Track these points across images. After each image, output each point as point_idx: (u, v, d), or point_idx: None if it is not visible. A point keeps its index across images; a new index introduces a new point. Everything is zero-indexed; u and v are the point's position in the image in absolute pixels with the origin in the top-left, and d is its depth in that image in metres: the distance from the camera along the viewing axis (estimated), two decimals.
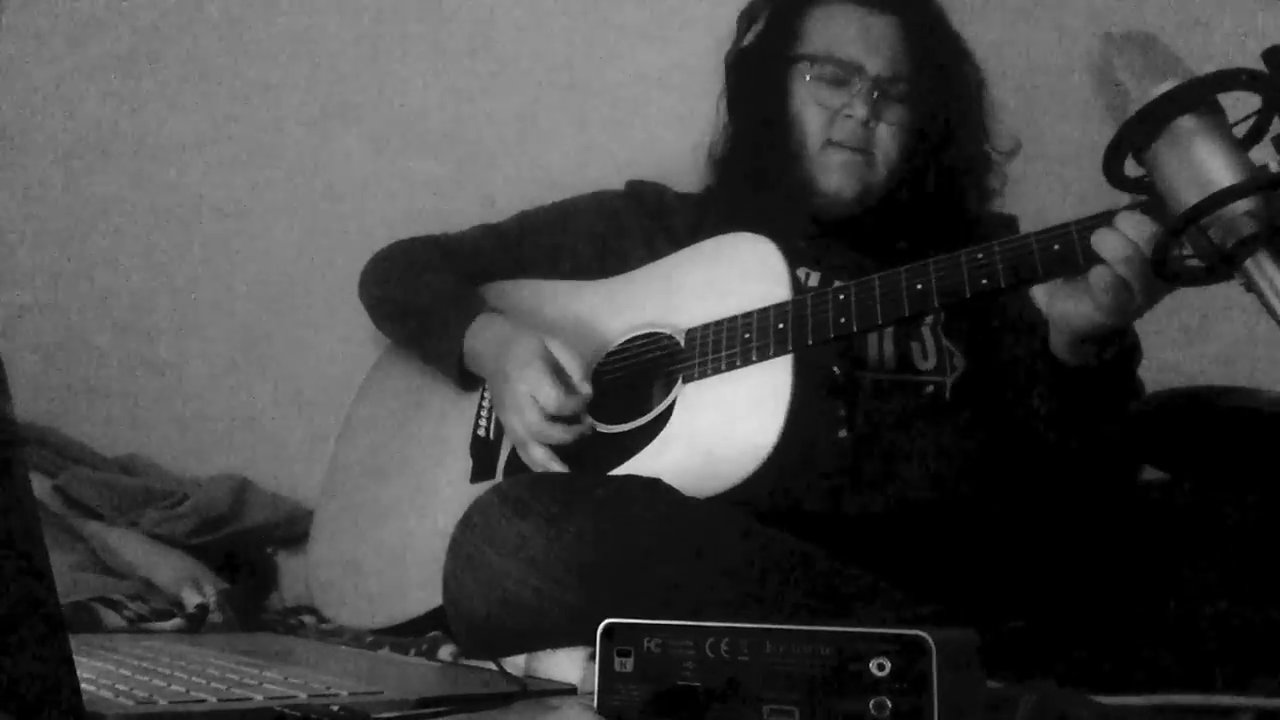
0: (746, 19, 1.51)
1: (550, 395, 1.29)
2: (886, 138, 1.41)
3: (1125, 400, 1.21)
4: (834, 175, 1.41)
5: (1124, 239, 1.02)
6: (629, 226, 1.52)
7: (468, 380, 1.46)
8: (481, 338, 1.42)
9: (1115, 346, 1.14)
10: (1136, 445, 1.30)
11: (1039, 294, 1.14)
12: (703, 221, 1.46)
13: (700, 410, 1.27)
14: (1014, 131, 1.47)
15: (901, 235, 1.41)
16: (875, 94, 1.39)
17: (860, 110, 1.39)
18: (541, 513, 1.07)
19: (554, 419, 1.30)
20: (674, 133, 1.57)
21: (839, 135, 1.40)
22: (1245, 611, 1.05)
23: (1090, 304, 1.06)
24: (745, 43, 1.50)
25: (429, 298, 1.51)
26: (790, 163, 1.42)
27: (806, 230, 1.45)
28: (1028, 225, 1.19)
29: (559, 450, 1.31)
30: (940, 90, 1.41)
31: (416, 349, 1.54)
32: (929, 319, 1.39)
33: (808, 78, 1.42)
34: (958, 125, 1.43)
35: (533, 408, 1.30)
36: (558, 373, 1.32)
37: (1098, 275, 1.04)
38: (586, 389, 1.31)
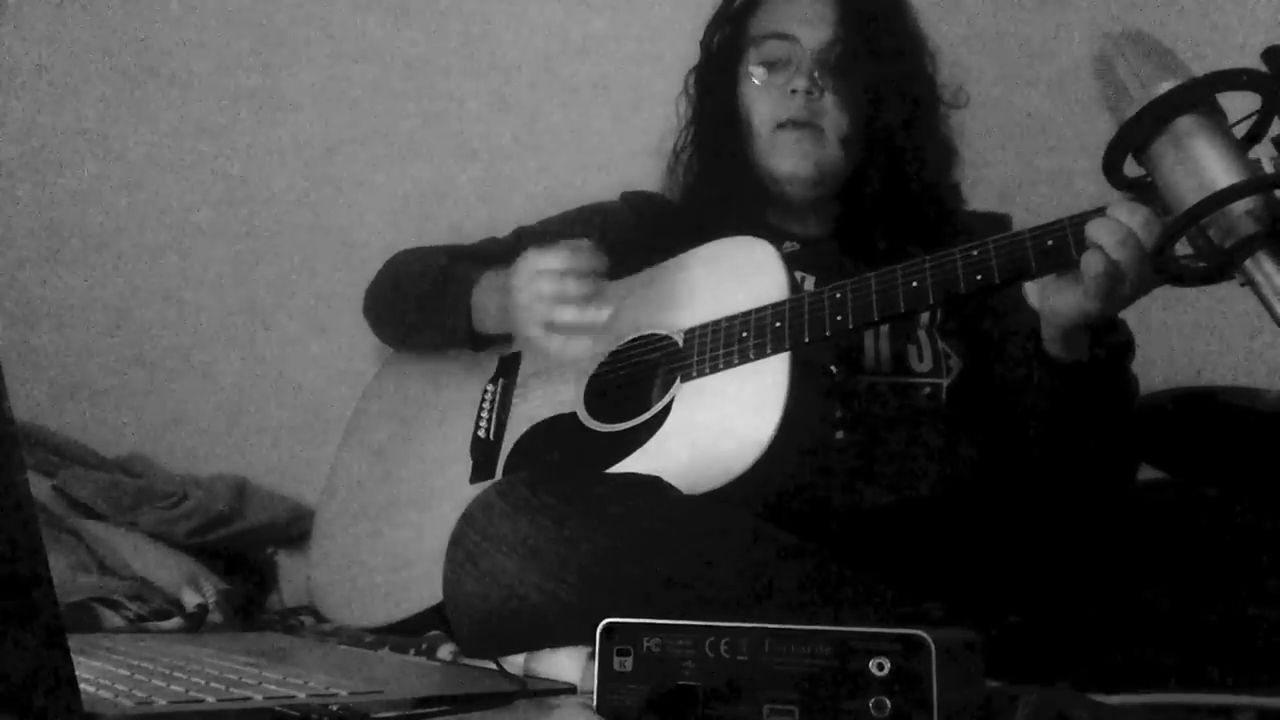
0: (708, 37, 1.54)
1: (554, 257, 1.32)
2: (833, 109, 1.42)
3: (1118, 397, 1.21)
4: (785, 157, 1.43)
5: (1118, 224, 1.02)
6: (625, 236, 1.52)
7: (477, 341, 1.47)
8: (488, 287, 1.44)
9: (1107, 341, 1.14)
10: (1136, 445, 1.30)
11: (1031, 293, 1.15)
12: (693, 227, 1.46)
13: (698, 408, 1.27)
14: (959, 82, 1.48)
15: (884, 226, 1.41)
16: (815, 65, 1.41)
17: (801, 82, 1.41)
18: (541, 510, 1.07)
19: (569, 274, 1.31)
20: (670, 142, 1.58)
21: (786, 114, 1.42)
22: (1244, 611, 1.05)
23: (1080, 292, 1.06)
24: (706, 59, 1.54)
25: (431, 274, 1.53)
26: (746, 152, 1.45)
27: (797, 232, 1.46)
28: (1025, 224, 1.19)
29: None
30: (877, 52, 1.42)
31: (424, 328, 1.54)
32: (925, 321, 1.40)
33: (752, 67, 1.45)
34: (900, 85, 1.43)
35: (543, 277, 1.31)
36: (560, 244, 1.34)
37: (1090, 260, 1.04)
38: (593, 249, 1.33)
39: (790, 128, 1.42)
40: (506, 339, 1.47)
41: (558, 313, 1.31)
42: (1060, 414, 1.21)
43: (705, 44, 1.54)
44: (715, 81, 1.50)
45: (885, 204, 1.42)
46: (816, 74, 1.41)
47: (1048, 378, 1.18)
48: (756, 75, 1.45)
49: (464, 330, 1.46)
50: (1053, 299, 1.11)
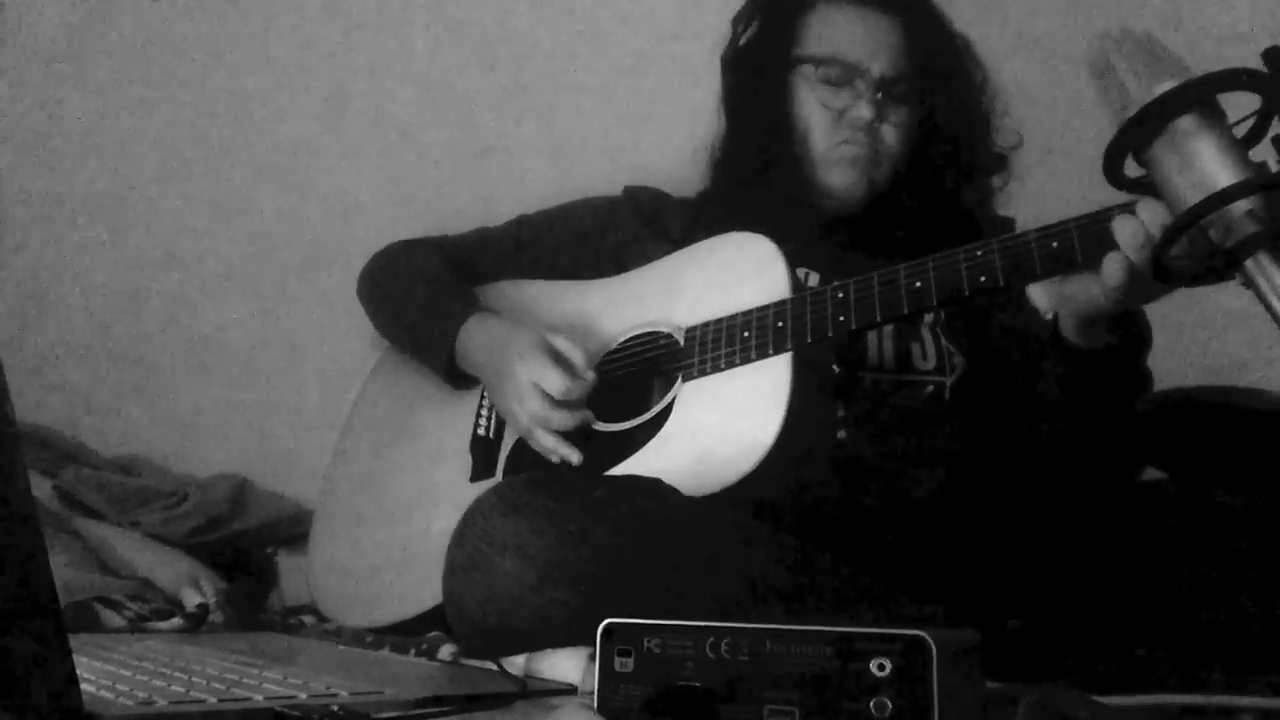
0: (743, 20, 1.51)
1: (554, 380, 1.30)
2: (891, 136, 1.41)
3: (1132, 388, 1.21)
4: (843, 173, 1.41)
5: (1139, 225, 1.01)
6: (626, 231, 1.52)
7: (458, 379, 1.46)
8: (475, 337, 1.42)
9: (1123, 331, 1.14)
10: (1138, 445, 1.30)
11: (1036, 296, 1.14)
12: (699, 224, 1.46)
13: (699, 408, 1.27)
14: (1015, 126, 1.47)
15: (900, 231, 1.41)
16: (879, 95, 1.39)
17: (866, 112, 1.39)
18: (542, 512, 1.07)
19: (559, 404, 1.30)
20: (674, 137, 1.57)
21: (844, 136, 1.40)
22: (1244, 611, 1.05)
23: (1099, 290, 1.06)
24: (741, 43, 1.50)
25: (422, 296, 1.51)
26: (795, 164, 1.42)
27: (806, 230, 1.45)
28: (1027, 226, 1.19)
29: (567, 437, 1.31)
30: (943, 89, 1.41)
31: (409, 347, 1.55)
32: (929, 319, 1.39)
33: (812, 81, 1.42)
34: (960, 123, 1.42)
35: (535, 395, 1.31)
36: (559, 360, 1.33)
37: (1111, 265, 1.03)
38: (590, 375, 1.32)
39: (848, 147, 1.40)
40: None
41: (538, 436, 1.32)
42: (1073, 404, 1.21)
43: (736, 32, 1.50)
44: (758, 87, 1.46)
45: (912, 222, 1.42)
46: (880, 97, 1.39)
47: (1062, 365, 1.18)
48: (813, 93, 1.41)
49: (444, 368, 1.46)
50: (1068, 286, 1.11)
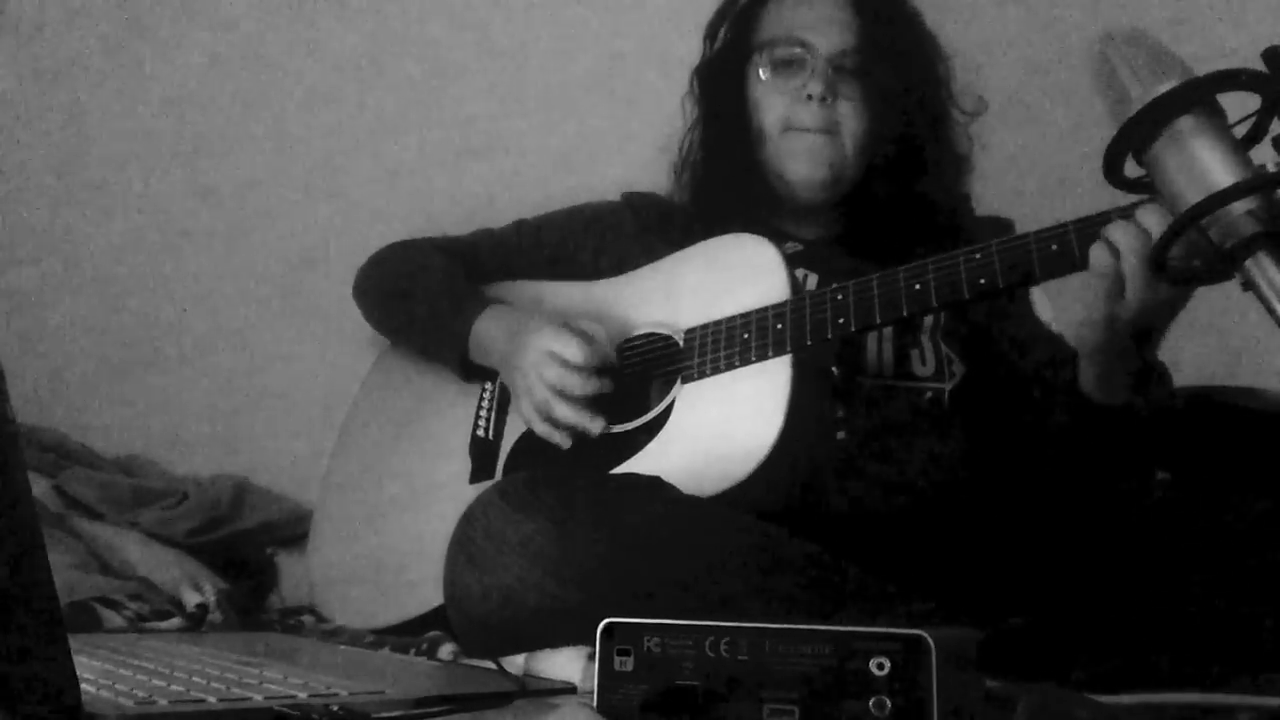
0: (711, 32, 1.53)
1: (572, 346, 1.30)
2: (849, 114, 1.40)
3: (1147, 446, 1.21)
4: (799, 161, 1.40)
5: (1135, 227, 1.03)
6: (626, 236, 1.52)
7: (470, 370, 1.46)
8: (492, 327, 1.41)
9: (1148, 387, 1.13)
10: (1146, 453, 1.29)
11: (1043, 308, 1.14)
12: (695, 228, 1.46)
13: (699, 410, 1.27)
14: (978, 91, 1.47)
15: (890, 227, 1.41)
16: (830, 70, 1.39)
17: (816, 87, 1.39)
18: (543, 511, 1.08)
19: (576, 371, 1.29)
20: (672, 140, 1.57)
21: (800, 118, 1.40)
22: (1245, 611, 1.05)
23: (1090, 293, 1.07)
24: (711, 55, 1.52)
25: (432, 291, 1.51)
26: (756, 154, 1.43)
27: (788, 224, 1.45)
28: (1027, 229, 1.19)
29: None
30: (895, 58, 1.41)
31: (418, 340, 1.54)
32: (928, 326, 1.39)
33: (762, 69, 1.43)
34: (917, 91, 1.42)
35: (552, 362, 1.30)
36: (577, 333, 1.33)
37: (1097, 253, 1.05)
38: (609, 349, 1.32)
39: (803, 132, 1.40)
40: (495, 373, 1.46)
41: (556, 406, 1.30)
42: (1081, 451, 1.21)
43: (708, 39, 1.53)
44: (722, 82, 1.48)
45: (893, 210, 1.42)
46: (831, 76, 1.39)
47: (1075, 419, 1.17)
48: (767, 77, 1.43)
49: (458, 360, 1.45)
50: (1070, 313, 1.11)
